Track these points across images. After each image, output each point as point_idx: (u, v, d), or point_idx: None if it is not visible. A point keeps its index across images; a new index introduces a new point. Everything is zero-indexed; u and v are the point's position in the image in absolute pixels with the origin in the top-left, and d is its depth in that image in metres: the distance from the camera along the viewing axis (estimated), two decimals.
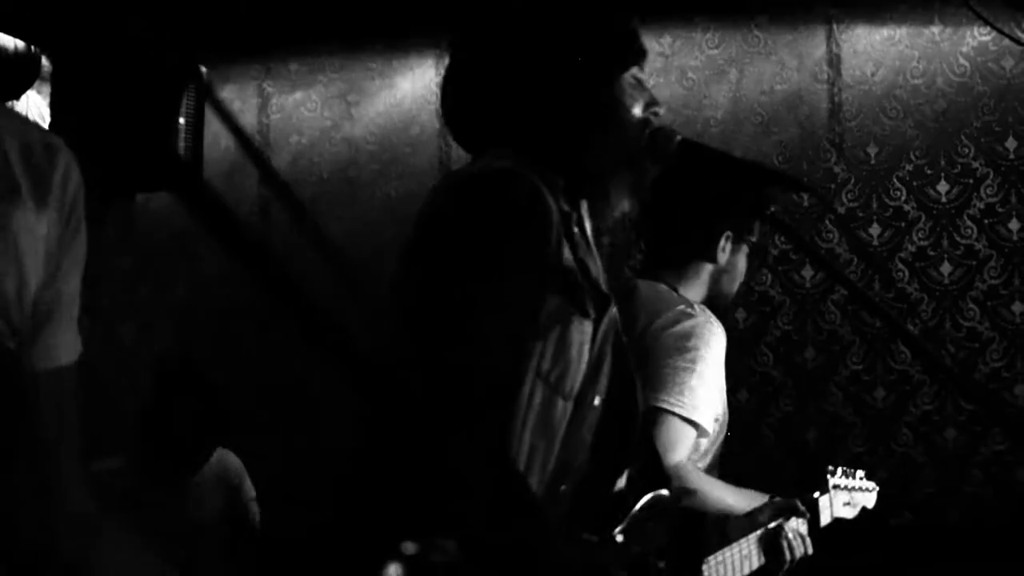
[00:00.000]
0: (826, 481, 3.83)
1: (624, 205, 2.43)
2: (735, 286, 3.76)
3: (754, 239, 3.74)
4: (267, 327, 6.22)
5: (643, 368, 3.33)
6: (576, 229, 2.30)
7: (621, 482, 2.36)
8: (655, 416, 3.31)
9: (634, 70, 2.47)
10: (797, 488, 3.73)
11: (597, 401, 2.26)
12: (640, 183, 2.43)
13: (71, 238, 2.05)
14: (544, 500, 2.19)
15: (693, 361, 3.40)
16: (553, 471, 2.21)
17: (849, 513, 3.89)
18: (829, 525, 3.75)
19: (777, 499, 3.52)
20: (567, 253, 2.22)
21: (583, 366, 2.22)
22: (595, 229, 2.40)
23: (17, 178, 1.96)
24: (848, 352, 5.67)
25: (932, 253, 5.66)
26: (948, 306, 5.59)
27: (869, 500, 3.99)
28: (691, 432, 3.36)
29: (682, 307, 3.53)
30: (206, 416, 4.86)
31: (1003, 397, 5.38)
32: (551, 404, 2.19)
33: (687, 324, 3.48)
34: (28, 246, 1.96)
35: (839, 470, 3.89)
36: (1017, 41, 5.49)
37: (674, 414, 3.33)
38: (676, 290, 3.62)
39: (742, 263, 3.74)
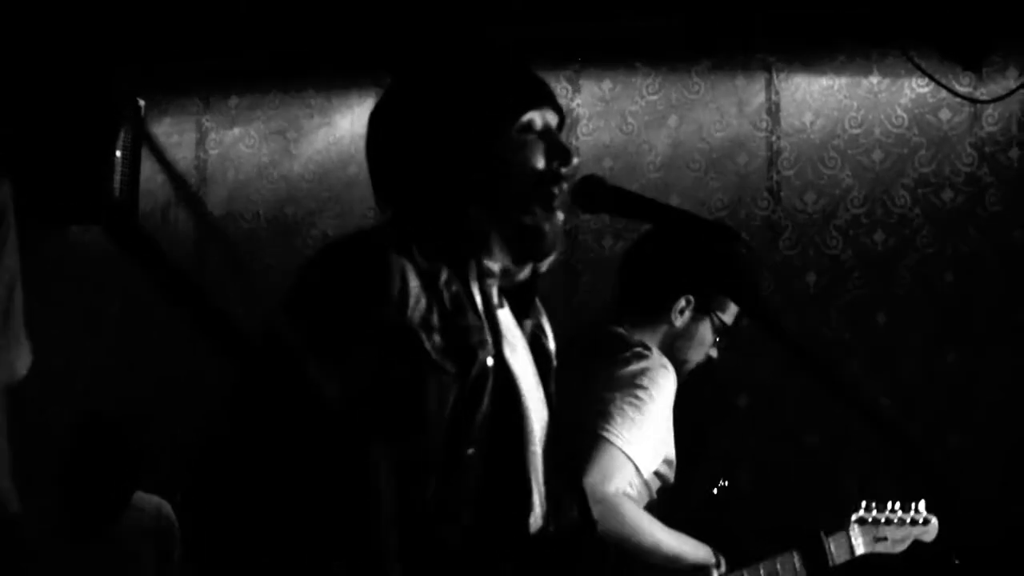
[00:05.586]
0: (848, 518, 3.82)
1: (510, 259, 2.43)
2: (692, 354, 3.74)
3: (723, 317, 3.73)
4: (200, 364, 6.17)
5: (594, 404, 3.36)
6: (450, 288, 2.32)
7: (535, 521, 2.36)
8: (596, 443, 3.30)
9: (535, 119, 2.41)
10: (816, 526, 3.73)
11: (471, 451, 2.25)
12: (527, 236, 2.41)
13: None
14: (424, 548, 2.22)
15: (640, 399, 3.40)
16: (433, 519, 2.24)
17: (886, 548, 3.84)
18: (868, 560, 3.76)
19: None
20: (417, 313, 2.25)
21: (444, 418, 2.25)
22: (481, 285, 2.40)
23: None
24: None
25: (868, 301, 5.68)
26: (883, 354, 5.62)
27: (923, 533, 3.94)
28: (628, 465, 3.34)
29: (638, 348, 3.54)
30: (122, 477, 4.93)
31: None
32: (409, 459, 2.23)
33: (639, 364, 3.49)
34: None
35: (872, 503, 3.86)
36: (954, 93, 5.53)
37: (612, 444, 3.31)
38: (633, 336, 3.61)
39: (703, 334, 3.73)
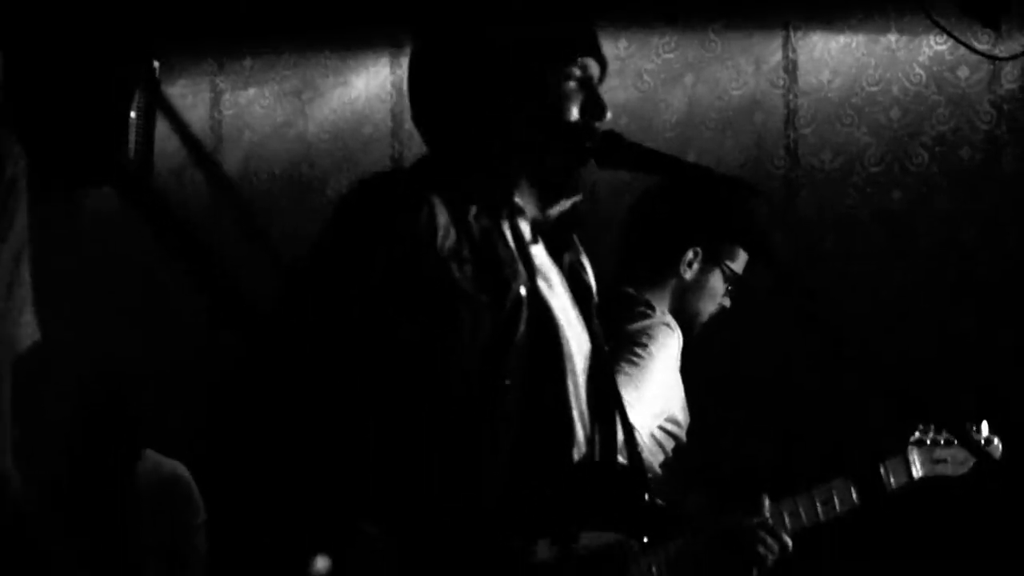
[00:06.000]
0: (905, 440, 3.72)
1: (539, 198, 2.44)
2: (704, 306, 3.72)
3: (733, 266, 3.70)
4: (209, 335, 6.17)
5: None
6: (480, 222, 2.33)
7: (578, 451, 2.37)
8: None
9: (574, 70, 2.43)
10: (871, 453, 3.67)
11: (508, 382, 2.26)
12: (556, 179, 2.43)
13: (7, 225, 1.98)
14: (464, 480, 2.25)
15: (639, 356, 3.39)
16: (472, 450, 2.25)
17: (947, 471, 3.72)
18: (928, 482, 3.67)
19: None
20: (447, 244, 2.27)
21: (477, 349, 2.26)
22: (512, 222, 2.42)
23: None
24: None
25: (885, 259, 5.66)
26: (898, 314, 5.60)
27: (988, 452, 3.76)
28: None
29: (641, 308, 3.53)
30: (125, 446, 4.95)
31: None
32: (444, 385, 2.25)
33: (641, 323, 3.48)
34: None
35: (931, 424, 3.76)
36: (973, 50, 5.50)
37: None
38: (641, 295, 3.60)
39: (714, 285, 3.71)
